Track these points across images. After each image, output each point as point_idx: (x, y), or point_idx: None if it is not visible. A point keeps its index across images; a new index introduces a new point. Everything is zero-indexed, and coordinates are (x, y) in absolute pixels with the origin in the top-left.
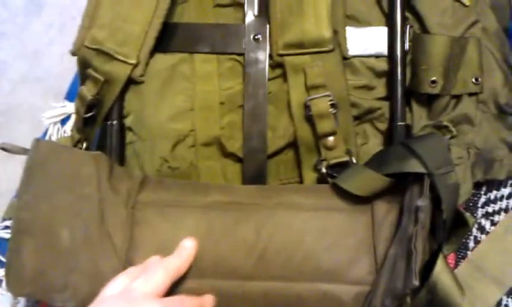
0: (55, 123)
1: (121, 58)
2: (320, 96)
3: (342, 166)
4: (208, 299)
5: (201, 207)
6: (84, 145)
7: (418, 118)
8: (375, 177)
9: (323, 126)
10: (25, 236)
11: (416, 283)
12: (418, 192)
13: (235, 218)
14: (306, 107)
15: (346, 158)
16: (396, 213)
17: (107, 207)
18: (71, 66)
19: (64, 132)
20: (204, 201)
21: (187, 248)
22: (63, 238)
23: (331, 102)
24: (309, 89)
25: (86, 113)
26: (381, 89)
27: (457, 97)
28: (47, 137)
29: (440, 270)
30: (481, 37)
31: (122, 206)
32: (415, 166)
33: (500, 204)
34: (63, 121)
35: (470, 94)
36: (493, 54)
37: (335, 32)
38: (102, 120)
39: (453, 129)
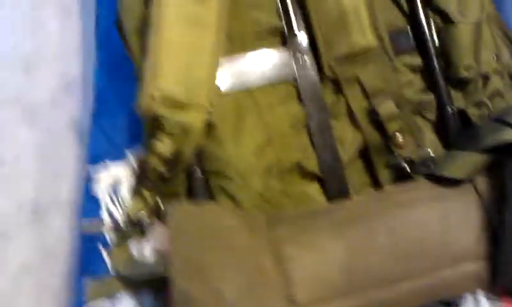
0: (106, 190)
1: (194, 105)
2: (384, 99)
3: (420, 159)
4: None
5: (331, 228)
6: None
7: (456, 100)
8: (475, 157)
9: (392, 126)
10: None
11: None
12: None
13: (364, 228)
14: (372, 112)
15: (422, 152)
16: (495, 183)
17: (256, 252)
18: None
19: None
20: (330, 222)
21: None
22: (226, 294)
23: (393, 103)
24: (369, 95)
25: (166, 168)
26: (419, 83)
27: (485, 76)
28: (103, 207)
29: None
30: (487, 20)
31: (267, 249)
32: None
33: None
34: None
35: (494, 71)
36: (498, 34)
37: (381, 39)
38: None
39: (490, 104)
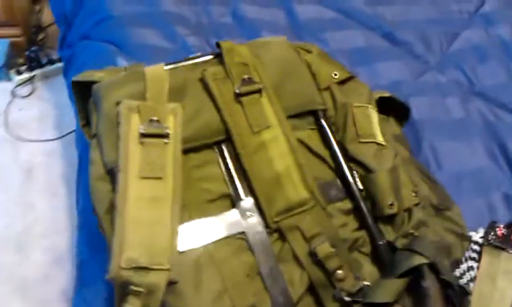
0: None
1: (157, 267)
2: (320, 242)
3: (358, 291)
4: None
5: None
6: None
7: (386, 234)
8: (396, 283)
9: (331, 264)
10: None
11: None
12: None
13: None
14: (313, 254)
15: (360, 284)
16: (419, 299)
17: None
18: None
19: None
20: None
21: None
22: None
23: (330, 244)
24: (309, 240)
25: None
26: (352, 223)
27: (408, 210)
28: None
29: None
30: (403, 163)
31: None
32: (420, 259)
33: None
34: None
35: (416, 205)
36: (416, 174)
37: (312, 192)
38: None
39: (417, 234)
